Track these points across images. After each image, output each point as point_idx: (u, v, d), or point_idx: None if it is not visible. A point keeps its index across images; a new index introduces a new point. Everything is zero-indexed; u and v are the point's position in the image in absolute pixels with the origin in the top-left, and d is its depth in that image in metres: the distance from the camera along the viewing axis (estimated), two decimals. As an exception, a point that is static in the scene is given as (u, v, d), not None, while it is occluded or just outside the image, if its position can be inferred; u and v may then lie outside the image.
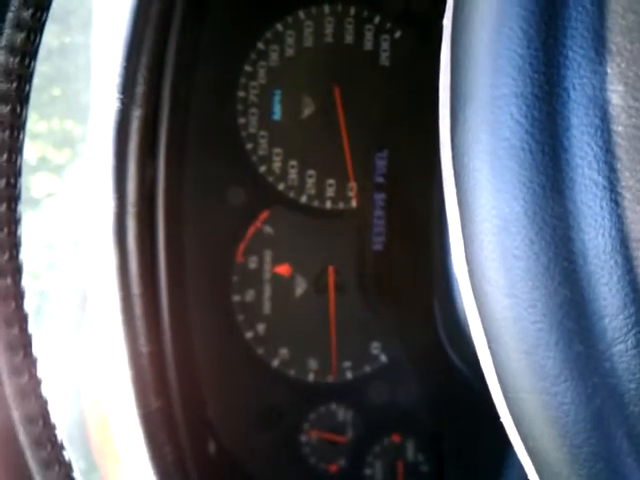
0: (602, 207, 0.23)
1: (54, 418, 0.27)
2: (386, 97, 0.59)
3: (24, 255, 0.29)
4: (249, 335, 0.60)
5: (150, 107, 0.42)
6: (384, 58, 0.59)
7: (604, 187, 0.23)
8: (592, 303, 0.23)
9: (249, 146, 0.59)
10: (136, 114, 0.39)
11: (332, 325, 0.60)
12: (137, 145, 0.41)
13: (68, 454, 0.28)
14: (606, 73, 0.23)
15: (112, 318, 0.42)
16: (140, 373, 0.43)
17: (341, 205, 0.60)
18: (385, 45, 0.59)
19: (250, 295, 0.60)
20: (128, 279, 0.42)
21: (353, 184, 0.59)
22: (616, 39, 0.23)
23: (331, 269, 0.60)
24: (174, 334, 0.47)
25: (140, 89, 0.40)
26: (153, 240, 0.46)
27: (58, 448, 0.27)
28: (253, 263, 0.60)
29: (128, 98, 0.39)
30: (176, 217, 0.51)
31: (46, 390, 0.27)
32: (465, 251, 0.25)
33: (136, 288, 0.42)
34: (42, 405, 0.27)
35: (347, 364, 0.61)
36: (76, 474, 0.29)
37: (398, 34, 0.59)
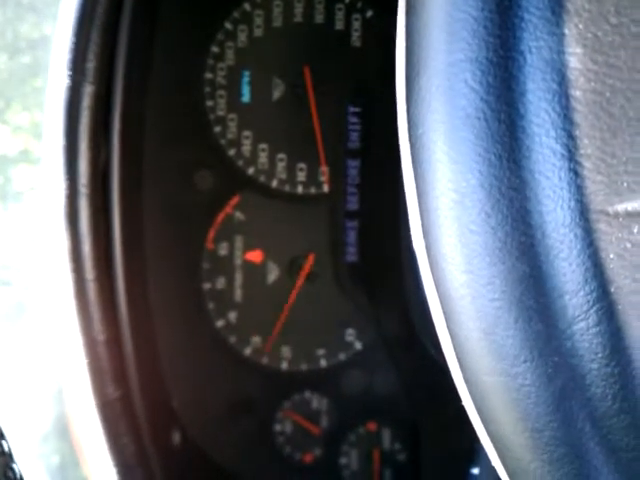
0: (560, 177, 0.22)
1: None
2: (357, 78, 0.57)
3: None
4: (220, 323, 0.59)
5: (103, 84, 0.40)
6: (355, 38, 0.57)
7: (562, 156, 0.22)
8: (551, 279, 0.22)
9: (217, 129, 0.57)
10: (87, 91, 0.38)
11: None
12: (88, 122, 0.40)
13: (8, 444, 0.26)
14: (564, 35, 0.21)
15: (66, 304, 0.41)
16: (96, 361, 0.42)
17: (313, 190, 0.58)
18: (356, 25, 0.57)
19: (221, 282, 0.58)
20: (80, 263, 0.41)
21: (325, 168, 0.58)
22: None
23: (305, 255, 0.59)
24: (133, 321, 0.46)
25: (91, 65, 0.38)
26: (108, 223, 0.44)
27: None
28: (223, 250, 0.58)
29: (79, 75, 0.38)
30: (133, 200, 0.50)
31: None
32: (422, 226, 0.24)
33: (89, 273, 0.41)
34: None
35: (321, 352, 0.60)
36: (20, 465, 0.27)
37: (369, 14, 0.57)
